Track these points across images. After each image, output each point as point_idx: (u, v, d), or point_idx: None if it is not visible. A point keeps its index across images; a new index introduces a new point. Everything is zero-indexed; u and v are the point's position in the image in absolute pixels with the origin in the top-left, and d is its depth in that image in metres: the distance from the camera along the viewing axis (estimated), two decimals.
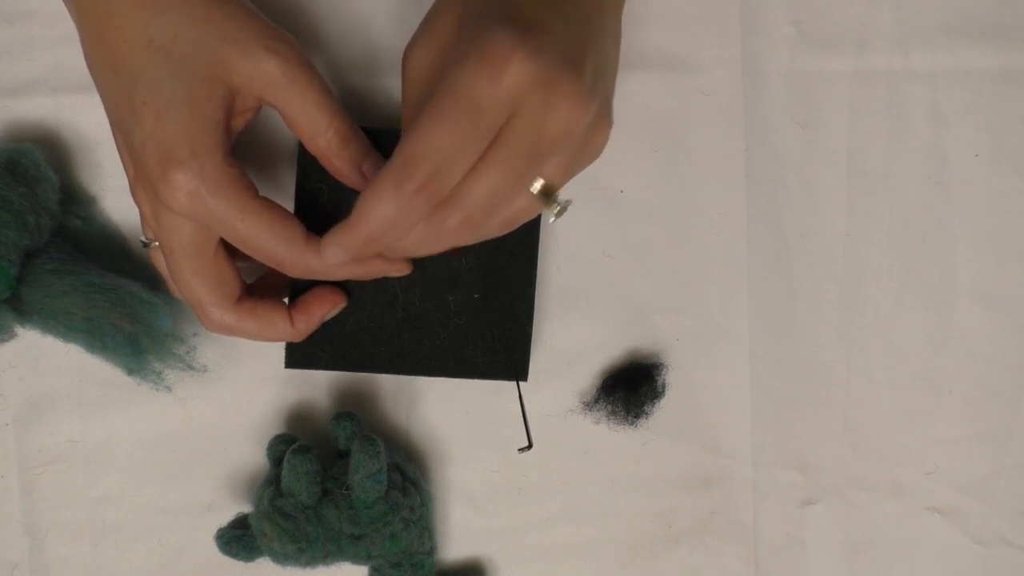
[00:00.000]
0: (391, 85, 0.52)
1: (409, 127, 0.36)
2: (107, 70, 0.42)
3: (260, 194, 0.43)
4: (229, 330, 0.46)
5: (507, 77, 0.35)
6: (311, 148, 0.45)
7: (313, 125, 0.44)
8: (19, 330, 0.49)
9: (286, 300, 0.48)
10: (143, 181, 0.43)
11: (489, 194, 0.38)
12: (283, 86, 0.42)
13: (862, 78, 0.54)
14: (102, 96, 0.44)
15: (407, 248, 0.40)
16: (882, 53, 0.54)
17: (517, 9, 0.37)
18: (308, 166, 0.47)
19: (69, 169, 0.52)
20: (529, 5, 0.37)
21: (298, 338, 0.48)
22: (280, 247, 0.43)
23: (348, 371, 0.52)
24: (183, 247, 0.43)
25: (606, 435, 0.55)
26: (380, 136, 0.47)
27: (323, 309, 0.48)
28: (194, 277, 0.44)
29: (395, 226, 0.38)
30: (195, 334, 0.52)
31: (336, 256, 0.40)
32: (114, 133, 0.44)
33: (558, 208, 0.40)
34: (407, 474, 0.51)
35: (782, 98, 0.54)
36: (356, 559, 0.51)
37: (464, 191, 0.37)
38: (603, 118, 0.39)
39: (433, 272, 0.50)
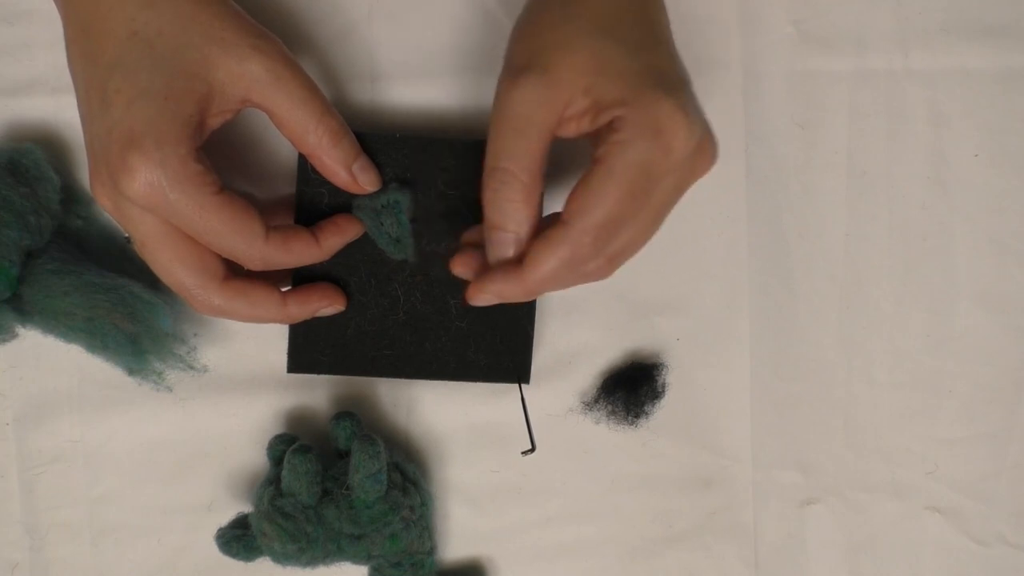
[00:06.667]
0: (380, 89, 0.52)
1: (586, 192, 0.40)
2: (86, 60, 0.42)
3: (224, 189, 0.42)
4: (219, 311, 0.45)
5: (676, 153, 0.40)
6: (300, 148, 0.44)
7: (302, 123, 0.43)
8: (20, 330, 0.49)
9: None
10: (102, 172, 0.42)
11: (635, 243, 0.42)
12: (269, 84, 0.42)
13: (862, 78, 0.54)
14: (76, 89, 0.43)
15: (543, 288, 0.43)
16: (882, 53, 0.54)
17: (664, 73, 0.42)
18: (309, 170, 0.47)
19: (70, 169, 0.52)
20: (662, 59, 0.42)
21: (288, 321, 0.48)
22: (239, 244, 0.43)
23: (350, 375, 0.52)
24: (152, 236, 0.43)
25: (606, 435, 0.55)
26: (369, 140, 0.47)
27: (321, 303, 0.48)
28: (172, 263, 0.43)
29: (557, 279, 0.42)
30: (196, 334, 0.52)
31: (487, 300, 0.43)
32: (84, 131, 0.43)
33: None
34: (407, 474, 0.51)
35: (782, 98, 0.54)
36: (356, 559, 0.51)
37: (616, 244, 0.42)
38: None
39: (434, 275, 0.49)
